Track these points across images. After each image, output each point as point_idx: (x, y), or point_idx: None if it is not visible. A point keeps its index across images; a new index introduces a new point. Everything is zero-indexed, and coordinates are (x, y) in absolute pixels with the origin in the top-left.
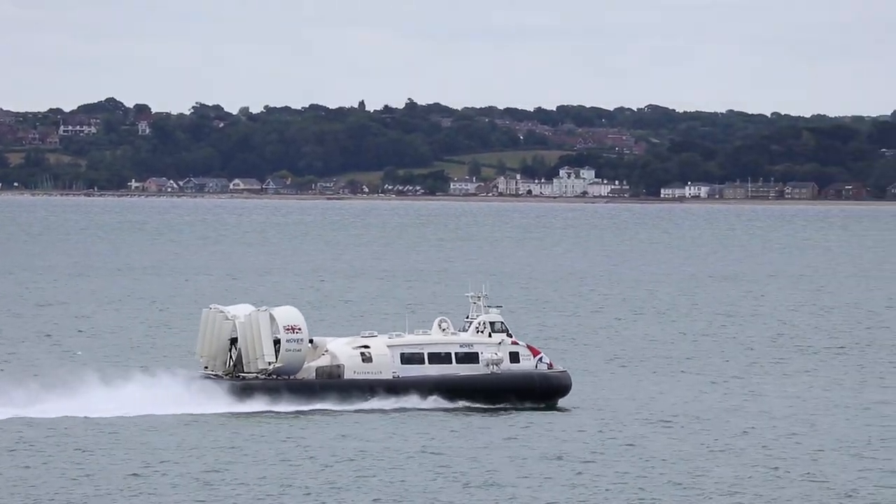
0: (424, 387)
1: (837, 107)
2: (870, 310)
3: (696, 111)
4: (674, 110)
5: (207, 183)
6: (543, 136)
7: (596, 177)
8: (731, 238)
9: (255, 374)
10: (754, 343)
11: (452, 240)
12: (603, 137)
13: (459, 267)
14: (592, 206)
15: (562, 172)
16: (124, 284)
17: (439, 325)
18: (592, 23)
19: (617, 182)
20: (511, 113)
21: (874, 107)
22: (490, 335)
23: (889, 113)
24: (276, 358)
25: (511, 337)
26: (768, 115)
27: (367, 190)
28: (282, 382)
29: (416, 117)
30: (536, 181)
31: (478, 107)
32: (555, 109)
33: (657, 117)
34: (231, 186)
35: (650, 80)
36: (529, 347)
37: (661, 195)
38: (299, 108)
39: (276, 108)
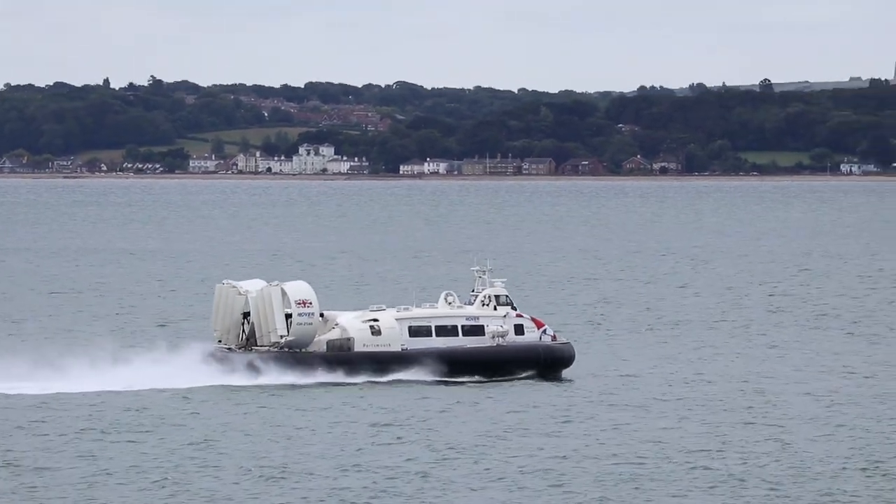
0: (432, 359)
1: (586, 83)
2: None
3: (444, 87)
4: (422, 87)
5: None
6: (288, 113)
7: (336, 153)
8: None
9: (267, 348)
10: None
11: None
12: (349, 114)
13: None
14: (333, 183)
15: (301, 150)
16: None
17: (445, 299)
18: None
19: (356, 159)
20: (258, 90)
21: (623, 83)
22: (495, 308)
23: (635, 89)
24: (288, 332)
25: (515, 310)
26: (515, 91)
27: (105, 168)
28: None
29: (159, 95)
30: (276, 158)
31: (226, 84)
32: (302, 86)
33: (404, 94)
34: None
35: (401, 57)
36: (533, 320)
37: (401, 172)
38: (43, 86)
39: (19, 85)
